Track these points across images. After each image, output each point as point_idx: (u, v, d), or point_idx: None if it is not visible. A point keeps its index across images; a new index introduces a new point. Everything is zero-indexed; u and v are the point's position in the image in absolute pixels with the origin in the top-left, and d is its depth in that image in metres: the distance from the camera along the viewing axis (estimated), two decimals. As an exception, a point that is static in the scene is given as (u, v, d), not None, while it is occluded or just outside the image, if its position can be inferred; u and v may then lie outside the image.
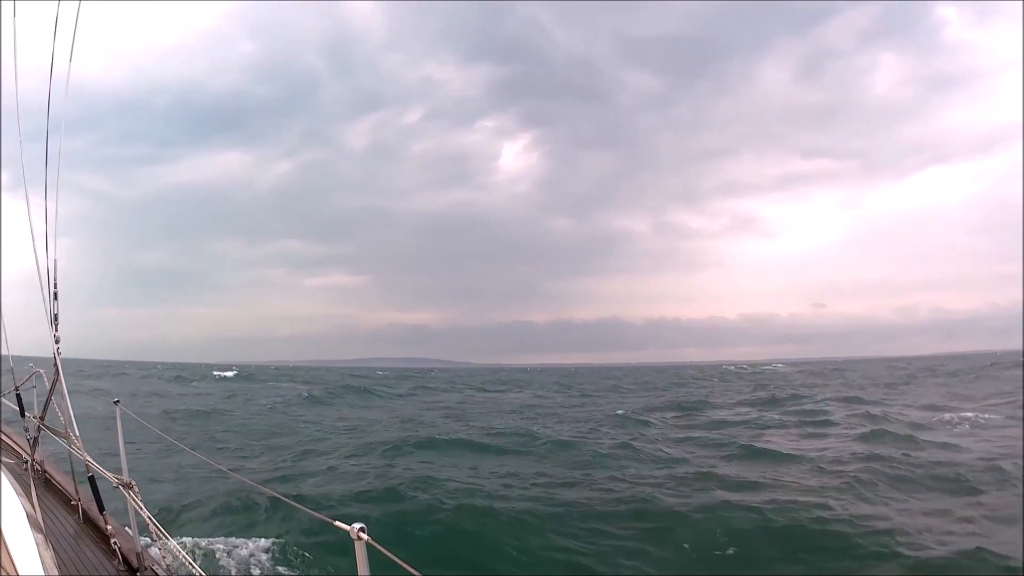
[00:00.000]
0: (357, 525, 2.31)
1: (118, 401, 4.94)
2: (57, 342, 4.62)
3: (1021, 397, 31.28)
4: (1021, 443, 18.49)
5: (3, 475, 4.57)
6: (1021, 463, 15.42)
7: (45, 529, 4.04)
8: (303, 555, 9.72)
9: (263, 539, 10.15)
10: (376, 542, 2.31)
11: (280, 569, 9.41)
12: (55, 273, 4.57)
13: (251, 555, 9.73)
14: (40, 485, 5.68)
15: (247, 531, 10.59)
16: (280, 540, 10.11)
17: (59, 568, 3.82)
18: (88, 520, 5.13)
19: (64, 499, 5.58)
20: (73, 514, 5.26)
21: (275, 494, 3.98)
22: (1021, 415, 23.88)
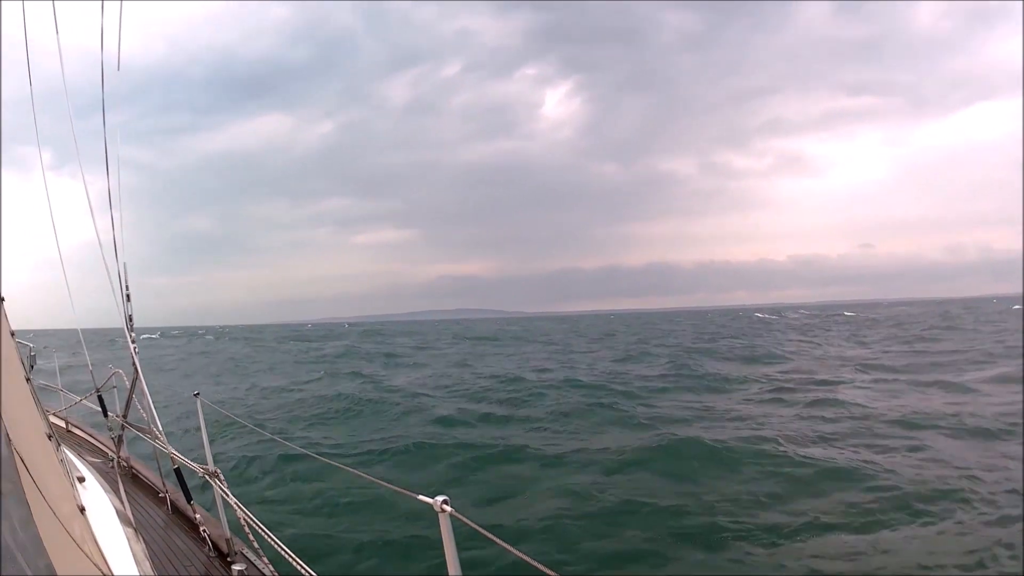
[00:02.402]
0: (440, 498, 2.36)
1: (198, 393, 5.08)
2: (133, 342, 4.73)
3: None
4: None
5: (91, 474, 4.75)
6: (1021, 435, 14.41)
7: (135, 523, 4.18)
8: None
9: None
10: (459, 513, 2.38)
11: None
12: (126, 276, 4.65)
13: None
14: (127, 481, 5.92)
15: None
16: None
17: (150, 559, 3.94)
18: (177, 511, 5.34)
19: (152, 493, 5.82)
20: (162, 506, 5.48)
21: (356, 472, 4.02)
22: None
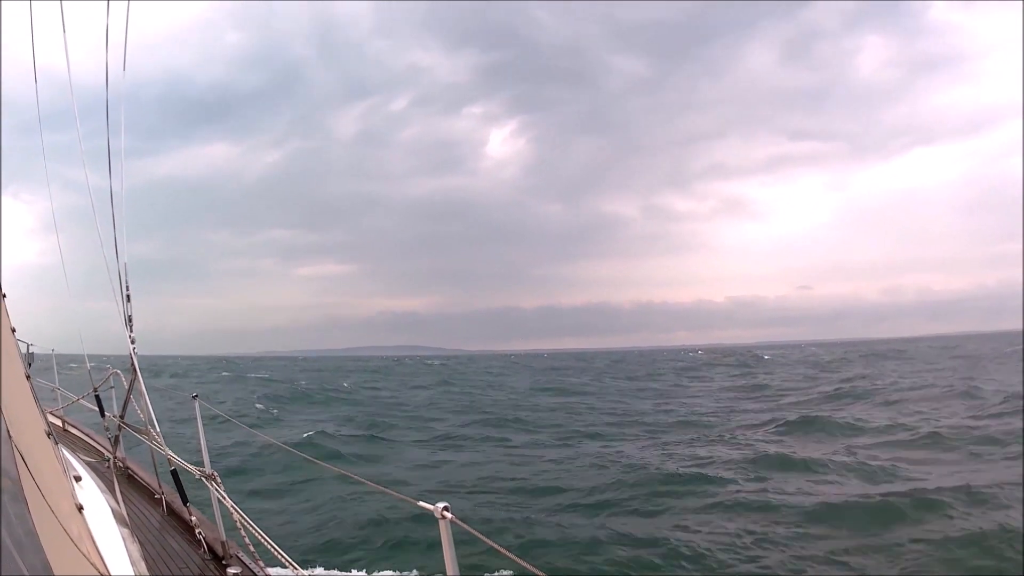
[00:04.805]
0: (441, 504, 2.44)
1: (196, 395, 5.10)
2: (133, 343, 4.75)
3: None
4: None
5: (87, 473, 4.70)
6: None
7: (130, 523, 4.16)
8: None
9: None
10: (459, 520, 2.45)
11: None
12: (126, 276, 4.69)
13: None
14: (123, 481, 5.85)
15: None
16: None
17: (145, 560, 3.92)
18: (172, 513, 5.32)
19: (148, 494, 5.77)
20: (157, 508, 5.45)
21: (358, 478, 4.13)
22: None
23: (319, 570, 9.45)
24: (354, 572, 9.55)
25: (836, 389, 36.80)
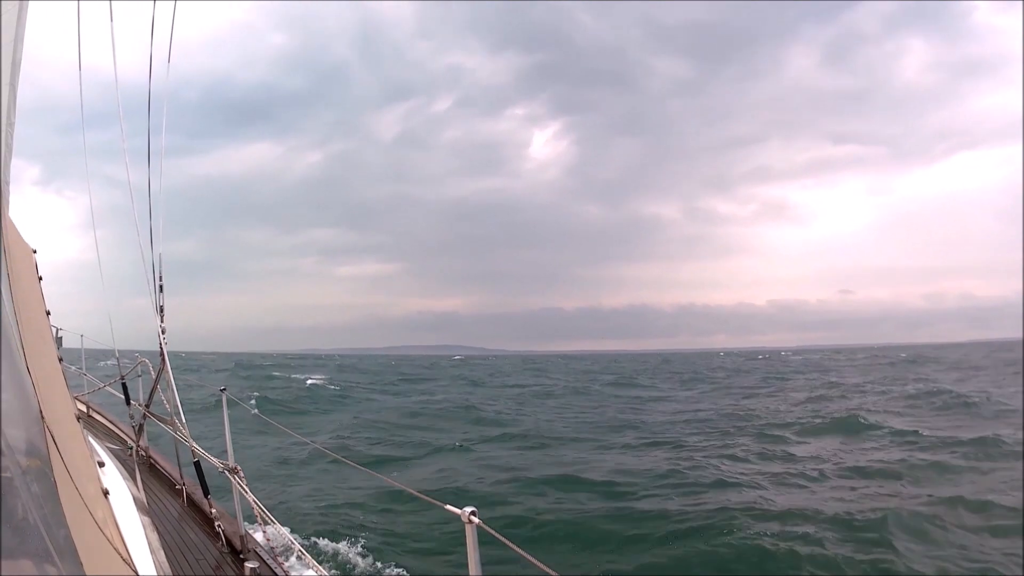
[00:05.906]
0: (468, 509, 2.41)
1: (224, 389, 5.16)
2: (163, 332, 4.86)
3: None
4: None
5: (110, 460, 4.80)
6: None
7: (150, 511, 4.21)
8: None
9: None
10: (486, 525, 2.41)
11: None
12: (160, 266, 4.80)
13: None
14: (145, 470, 5.95)
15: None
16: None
17: (165, 549, 3.97)
18: (192, 504, 5.38)
19: (169, 484, 5.85)
20: (177, 498, 5.53)
21: (388, 480, 4.15)
22: None
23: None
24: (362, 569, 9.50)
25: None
